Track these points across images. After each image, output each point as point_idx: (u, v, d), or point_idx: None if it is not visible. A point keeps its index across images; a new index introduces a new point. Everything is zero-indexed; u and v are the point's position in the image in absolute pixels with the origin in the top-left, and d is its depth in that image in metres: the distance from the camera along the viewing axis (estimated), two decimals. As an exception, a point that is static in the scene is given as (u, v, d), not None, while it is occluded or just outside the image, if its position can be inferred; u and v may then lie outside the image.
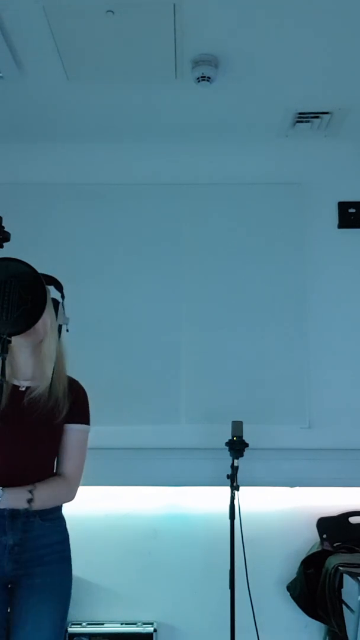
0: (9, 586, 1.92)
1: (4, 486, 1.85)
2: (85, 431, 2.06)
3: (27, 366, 1.99)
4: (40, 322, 1.91)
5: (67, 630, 3.11)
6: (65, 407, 1.98)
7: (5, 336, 1.68)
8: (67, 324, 2.14)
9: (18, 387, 1.97)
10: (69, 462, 2.02)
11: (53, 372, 1.97)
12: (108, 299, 3.44)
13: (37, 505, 1.88)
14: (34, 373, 1.99)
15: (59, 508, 2.03)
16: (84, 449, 2.06)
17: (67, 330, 2.13)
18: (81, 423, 2.04)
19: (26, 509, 1.87)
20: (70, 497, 2.02)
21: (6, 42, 2.67)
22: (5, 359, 1.70)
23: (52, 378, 1.97)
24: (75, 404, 2.03)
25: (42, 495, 1.90)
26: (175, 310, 3.44)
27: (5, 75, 2.90)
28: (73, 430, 2.02)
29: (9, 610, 1.93)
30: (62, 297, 2.15)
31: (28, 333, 1.82)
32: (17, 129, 3.47)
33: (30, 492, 1.87)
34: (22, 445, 1.93)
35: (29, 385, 1.97)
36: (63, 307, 2.12)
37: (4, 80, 2.94)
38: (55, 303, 2.06)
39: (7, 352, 1.70)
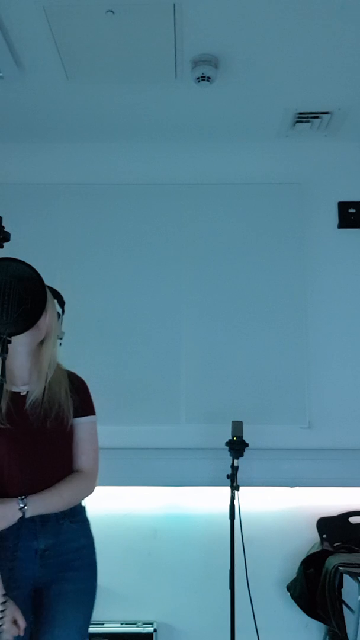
0: (37, 591, 1.91)
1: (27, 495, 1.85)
2: (92, 422, 2.06)
3: (24, 370, 1.98)
4: (43, 320, 1.92)
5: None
6: (71, 406, 1.98)
7: (5, 336, 1.68)
8: (61, 338, 2.14)
9: (19, 393, 1.96)
10: (83, 456, 2.02)
11: (51, 378, 1.97)
12: (108, 298, 3.44)
13: (63, 505, 1.90)
14: (31, 377, 1.98)
15: (84, 510, 2.03)
16: (95, 440, 2.06)
17: (60, 344, 2.12)
18: (86, 415, 2.04)
19: (55, 512, 1.88)
20: (91, 490, 2.03)
21: (6, 42, 2.67)
22: (5, 359, 1.70)
23: (50, 382, 1.96)
24: (78, 398, 2.02)
25: (65, 495, 1.91)
26: (175, 310, 3.44)
27: (5, 75, 2.90)
28: (81, 424, 2.02)
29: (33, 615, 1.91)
30: (62, 312, 2.15)
31: (30, 331, 1.82)
32: (17, 129, 3.47)
33: (54, 494, 1.88)
34: (34, 451, 1.92)
35: (28, 389, 1.97)
36: (61, 321, 2.12)
37: (4, 80, 2.94)
38: (57, 315, 2.07)
39: (7, 352, 1.70)
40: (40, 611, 1.89)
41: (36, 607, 1.90)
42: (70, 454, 2.01)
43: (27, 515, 1.84)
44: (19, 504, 1.83)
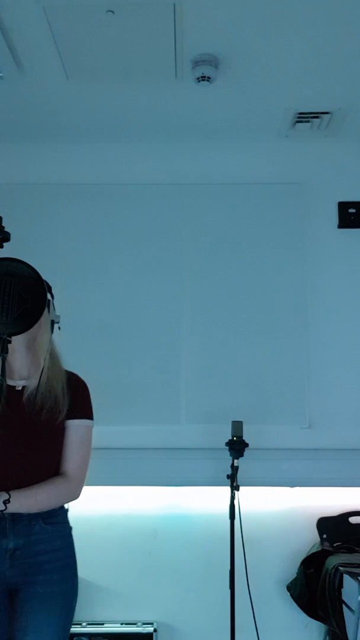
0: (11, 592, 1.89)
1: (8, 490, 1.84)
2: (86, 426, 2.02)
3: (22, 365, 1.98)
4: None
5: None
6: (66, 404, 1.96)
7: (5, 336, 1.68)
8: (58, 322, 2.12)
9: (14, 387, 1.95)
10: (70, 460, 1.98)
11: (48, 369, 1.96)
12: (108, 298, 3.44)
13: (36, 507, 1.86)
14: (29, 371, 1.97)
15: (63, 512, 2.00)
16: (86, 445, 2.02)
17: (59, 328, 2.11)
18: (81, 418, 2.01)
19: (28, 513, 1.87)
20: (72, 496, 1.99)
21: (6, 42, 2.67)
22: (5, 359, 1.70)
23: (48, 375, 1.95)
24: (74, 399, 2.00)
25: (40, 498, 1.88)
26: (175, 310, 3.44)
27: (5, 75, 2.90)
28: (73, 427, 1.99)
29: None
30: (52, 296, 2.12)
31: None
32: (17, 129, 3.47)
33: (28, 496, 1.85)
34: (25, 447, 1.91)
35: (25, 384, 1.96)
36: (53, 305, 2.10)
37: (4, 80, 2.94)
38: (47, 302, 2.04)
39: (7, 352, 1.70)
40: (15, 615, 1.87)
41: (12, 610, 1.88)
42: (57, 453, 1.98)
43: (10, 509, 1.81)
44: (2, 497, 1.81)
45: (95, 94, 3.12)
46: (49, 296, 2.07)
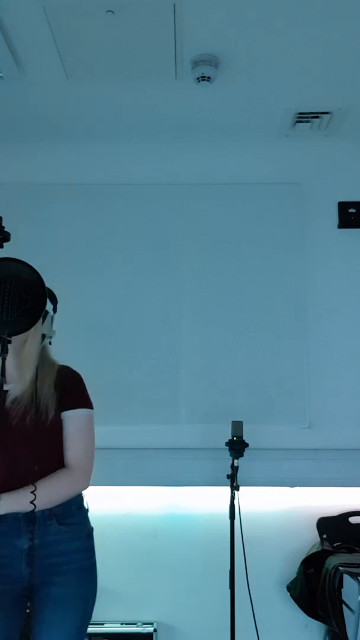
0: (30, 591, 1.88)
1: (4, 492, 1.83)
2: (81, 415, 1.99)
3: (9, 367, 1.93)
4: None
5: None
6: (53, 402, 1.93)
7: (5, 336, 1.68)
8: (52, 337, 2.09)
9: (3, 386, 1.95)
10: (69, 451, 1.96)
11: (37, 376, 1.94)
12: (108, 298, 3.44)
13: (40, 503, 1.84)
14: (14, 377, 1.96)
15: (82, 513, 1.98)
16: (86, 434, 1.99)
17: (50, 343, 2.08)
18: (74, 408, 1.98)
19: (42, 511, 1.85)
20: (77, 486, 1.95)
21: (6, 42, 2.67)
22: (5, 359, 1.70)
23: (35, 383, 1.93)
24: (64, 391, 1.97)
25: (45, 492, 1.85)
26: (175, 310, 3.44)
27: (5, 75, 2.90)
28: (68, 418, 1.97)
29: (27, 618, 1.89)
30: (54, 310, 2.10)
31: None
32: (17, 129, 3.47)
33: (32, 492, 1.83)
34: (12, 448, 1.89)
35: (8, 388, 1.94)
36: (52, 319, 2.09)
37: (4, 80, 2.94)
38: (45, 312, 2.01)
39: (7, 352, 1.70)
40: (32, 616, 1.86)
41: (31, 611, 1.87)
42: (51, 450, 1.96)
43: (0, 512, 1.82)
44: None
45: (95, 94, 3.12)
46: (51, 311, 2.06)
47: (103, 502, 3.30)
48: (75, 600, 1.88)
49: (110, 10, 2.47)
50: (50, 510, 1.89)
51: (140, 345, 3.39)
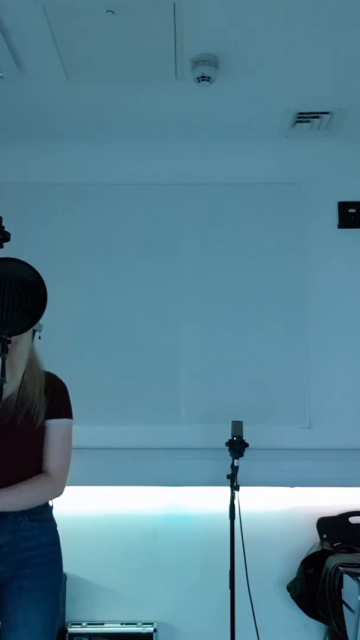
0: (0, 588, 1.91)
1: None
2: (65, 425, 2.03)
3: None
4: None
5: (67, 631, 3.11)
6: (43, 407, 1.97)
7: (5, 336, 1.68)
8: (40, 331, 2.11)
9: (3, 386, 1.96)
10: (52, 459, 2.00)
11: (24, 375, 1.96)
12: (108, 298, 3.44)
13: (20, 505, 1.89)
14: (10, 374, 1.94)
15: (48, 509, 2.02)
16: (67, 444, 2.04)
17: (40, 338, 2.09)
18: (60, 417, 2.02)
19: (12, 510, 1.88)
20: (55, 494, 2.01)
21: (6, 42, 2.67)
22: (5, 359, 1.70)
23: (25, 381, 1.95)
24: (52, 399, 2.01)
25: (24, 495, 1.91)
26: (175, 310, 3.44)
27: (5, 75, 2.90)
28: (53, 426, 2.01)
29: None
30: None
31: None
32: (17, 129, 3.47)
33: (13, 494, 1.88)
34: (2, 448, 1.91)
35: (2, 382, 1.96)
36: None
37: (4, 80, 2.94)
38: None
39: (7, 352, 1.70)
40: (3, 610, 1.89)
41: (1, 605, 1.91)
42: (37, 454, 2.00)
43: None
44: None
45: (95, 94, 3.12)
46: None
47: (103, 502, 3.30)
48: (47, 591, 1.92)
49: (110, 10, 2.47)
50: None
51: (140, 345, 3.39)
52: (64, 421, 2.03)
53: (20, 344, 1.96)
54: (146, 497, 3.31)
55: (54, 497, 2.02)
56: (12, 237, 1.90)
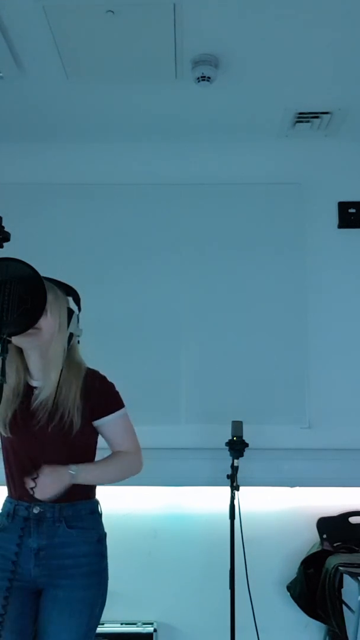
0: (38, 592, 1.90)
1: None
2: (121, 416, 2.03)
3: (36, 368, 1.97)
4: (45, 324, 1.89)
5: None
6: (79, 413, 1.92)
7: (5, 336, 1.68)
8: (79, 335, 2.10)
9: (32, 386, 1.97)
10: (125, 444, 2.03)
11: (61, 378, 1.93)
12: (108, 298, 3.43)
13: (111, 477, 2.00)
14: (44, 377, 1.96)
15: (93, 518, 1.99)
16: (130, 428, 2.07)
17: (79, 342, 2.09)
18: (112, 412, 2.01)
19: (52, 512, 1.88)
20: (138, 467, 2.06)
21: (6, 42, 2.67)
22: (5, 358, 1.70)
23: (61, 385, 1.92)
24: (97, 397, 1.98)
25: (111, 468, 1.98)
26: (175, 310, 3.44)
27: (5, 75, 2.90)
28: (109, 423, 2.00)
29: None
30: (79, 309, 2.11)
31: (29, 333, 1.80)
32: (17, 129, 3.47)
33: (100, 466, 1.97)
34: (33, 454, 1.91)
35: (38, 385, 1.96)
36: (78, 318, 2.08)
37: (4, 80, 2.94)
38: (70, 312, 2.02)
39: (7, 352, 1.69)
40: (39, 616, 1.88)
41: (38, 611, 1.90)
42: (82, 455, 1.97)
43: (79, 481, 1.87)
44: (69, 469, 1.86)
45: (95, 94, 3.12)
46: (76, 310, 2.07)
47: (103, 502, 3.29)
48: (81, 605, 1.87)
49: (110, 10, 2.47)
50: (60, 512, 1.90)
51: (140, 346, 3.39)
52: (117, 414, 2.02)
53: (54, 346, 1.94)
54: (146, 497, 3.31)
55: (139, 470, 2.06)
56: (12, 237, 1.90)
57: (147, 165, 3.58)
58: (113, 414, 2.01)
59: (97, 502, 2.04)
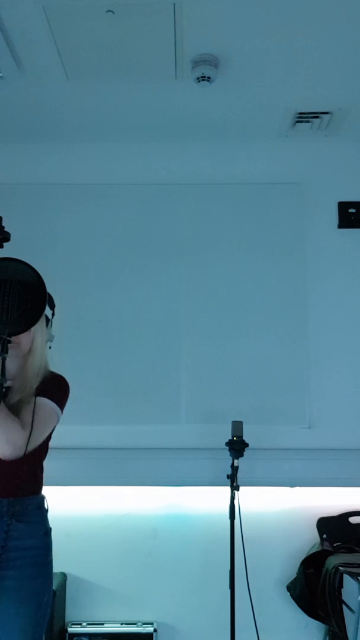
0: None
1: None
2: (46, 405, 1.93)
3: (9, 369, 1.92)
4: (25, 338, 1.88)
5: (67, 630, 3.11)
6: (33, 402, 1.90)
7: (5, 336, 1.68)
8: (51, 341, 2.09)
9: (3, 387, 1.91)
10: (26, 420, 1.86)
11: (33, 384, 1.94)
12: (108, 298, 3.44)
13: None
14: (14, 376, 1.95)
15: (40, 513, 1.99)
16: (43, 418, 1.90)
17: (50, 347, 2.08)
18: (44, 397, 1.92)
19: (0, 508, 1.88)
20: (19, 441, 1.81)
21: (6, 42, 2.67)
22: (5, 359, 1.70)
23: (32, 387, 1.93)
24: (45, 385, 1.95)
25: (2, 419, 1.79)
26: (175, 310, 3.44)
27: (5, 75, 2.90)
28: (39, 404, 1.90)
29: None
30: (53, 314, 2.10)
31: (12, 346, 1.80)
32: (17, 129, 3.47)
33: None
34: None
35: (7, 385, 1.92)
36: (51, 324, 2.08)
37: (4, 80, 2.94)
38: (45, 319, 2.01)
39: (7, 352, 1.70)
40: None
41: None
42: (36, 452, 1.94)
43: None
44: None
45: (95, 94, 3.12)
46: (50, 316, 2.05)
47: (103, 502, 3.30)
48: (29, 593, 1.89)
49: (110, 10, 2.47)
50: (8, 507, 1.91)
51: (141, 346, 3.39)
52: (49, 401, 1.94)
53: (36, 357, 1.94)
54: (146, 497, 3.31)
55: (13, 444, 1.81)
56: (12, 237, 1.91)
57: (147, 165, 3.58)
58: (42, 398, 1.92)
59: (43, 498, 2.03)
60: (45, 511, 2.03)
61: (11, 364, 1.93)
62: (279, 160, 3.59)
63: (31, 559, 1.92)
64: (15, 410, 1.89)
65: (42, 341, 1.98)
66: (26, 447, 1.81)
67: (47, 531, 2.01)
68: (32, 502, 1.97)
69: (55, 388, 2.00)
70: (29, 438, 1.82)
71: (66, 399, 2.05)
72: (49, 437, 2.01)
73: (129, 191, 3.56)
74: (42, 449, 2.01)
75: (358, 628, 2.74)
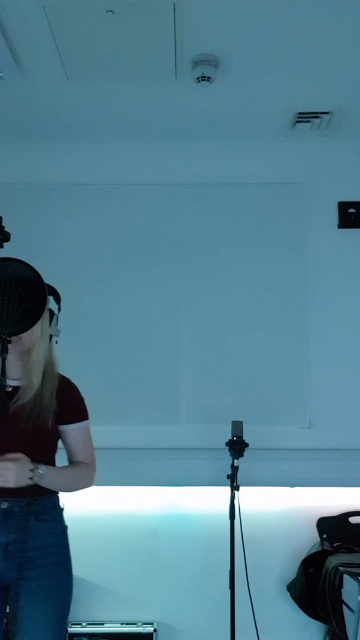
0: (6, 587, 1.91)
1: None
2: (85, 427, 2.06)
3: (15, 367, 1.95)
4: (26, 334, 1.88)
5: (67, 630, 3.11)
6: (52, 411, 1.95)
7: (5, 336, 1.68)
8: (57, 336, 2.10)
9: (5, 387, 1.93)
10: (81, 455, 2.04)
11: (42, 379, 1.95)
12: (108, 298, 3.44)
13: (68, 485, 1.99)
14: (20, 375, 1.95)
15: (58, 511, 2.01)
16: (90, 442, 2.09)
17: (57, 342, 2.09)
18: (78, 421, 2.04)
19: (21, 507, 1.89)
20: (92, 480, 2.08)
21: (6, 42, 2.67)
22: (5, 359, 1.70)
23: (40, 385, 1.94)
24: (67, 404, 2.00)
25: (71, 476, 2.00)
26: (175, 310, 3.44)
27: (5, 75, 2.90)
28: (74, 430, 2.02)
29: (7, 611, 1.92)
30: (59, 309, 2.11)
31: (15, 340, 1.80)
32: (17, 129, 3.47)
33: (57, 471, 1.95)
34: (7, 446, 1.89)
35: (15, 385, 1.94)
36: (57, 319, 2.08)
37: (4, 80, 2.94)
38: (51, 313, 2.02)
39: (7, 352, 1.70)
40: (11, 611, 1.89)
41: (7, 605, 1.92)
42: (44, 459, 1.97)
43: (43, 482, 1.86)
44: (39, 468, 1.85)
45: (95, 94, 3.12)
46: (55, 310, 2.06)
47: (103, 502, 3.30)
48: (53, 591, 1.91)
49: (110, 10, 2.47)
50: (28, 506, 1.91)
51: (140, 345, 3.39)
52: (83, 423, 2.05)
53: (36, 351, 1.94)
54: (146, 497, 3.31)
55: (91, 484, 2.07)
56: (12, 237, 1.91)
57: (147, 165, 3.58)
58: (78, 423, 2.04)
59: (59, 497, 2.05)
60: (61, 509, 2.04)
61: (13, 363, 1.94)
62: (279, 160, 3.59)
63: (52, 557, 1.94)
64: (31, 410, 1.90)
65: (44, 337, 1.98)
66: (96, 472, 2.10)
67: (65, 529, 2.03)
68: (49, 500, 1.98)
69: (79, 402, 2.07)
70: (95, 465, 2.09)
71: None
72: (58, 435, 2.04)
73: (129, 191, 3.56)
74: (54, 447, 2.04)
75: (358, 628, 2.74)
